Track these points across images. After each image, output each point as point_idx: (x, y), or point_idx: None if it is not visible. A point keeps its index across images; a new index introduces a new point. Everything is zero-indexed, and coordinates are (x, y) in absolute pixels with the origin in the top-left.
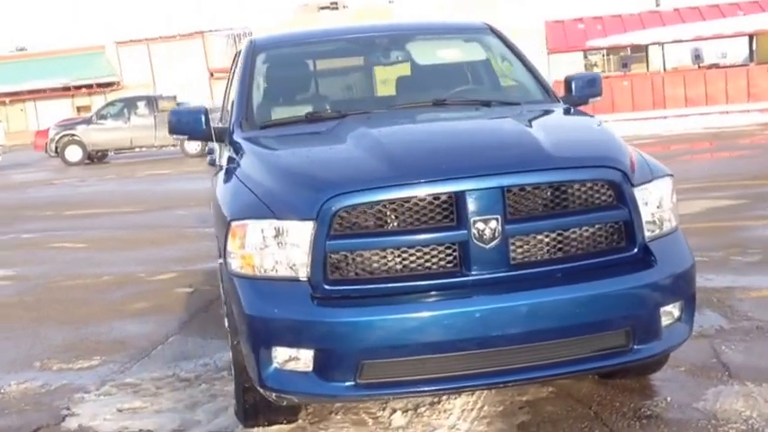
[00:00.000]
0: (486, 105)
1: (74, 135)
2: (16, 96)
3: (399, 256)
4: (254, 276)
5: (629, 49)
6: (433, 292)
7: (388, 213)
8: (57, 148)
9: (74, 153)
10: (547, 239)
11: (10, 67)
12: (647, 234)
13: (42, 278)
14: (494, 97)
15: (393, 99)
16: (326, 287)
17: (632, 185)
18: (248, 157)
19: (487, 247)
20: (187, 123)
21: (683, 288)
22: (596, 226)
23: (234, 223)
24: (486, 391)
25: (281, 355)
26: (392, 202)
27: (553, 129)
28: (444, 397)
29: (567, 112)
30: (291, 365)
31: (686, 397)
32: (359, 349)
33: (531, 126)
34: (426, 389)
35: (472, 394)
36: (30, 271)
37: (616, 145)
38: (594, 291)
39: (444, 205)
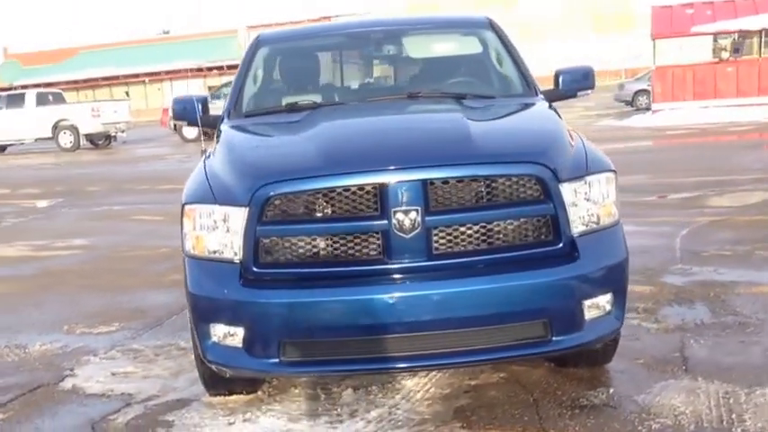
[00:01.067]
0: (460, 98)
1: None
2: (155, 76)
3: (326, 243)
4: (201, 257)
5: (735, 34)
6: (354, 279)
7: (318, 202)
8: (175, 125)
9: (190, 130)
10: (471, 231)
11: (153, 49)
12: (578, 229)
13: (109, 249)
14: (471, 91)
15: (372, 92)
16: (255, 269)
17: (559, 181)
18: (219, 144)
19: (408, 237)
20: (185, 111)
21: (610, 282)
22: (521, 219)
23: (186, 207)
24: (438, 374)
25: (219, 331)
26: (320, 191)
27: (497, 124)
28: (399, 377)
29: (529, 106)
30: (228, 341)
31: (631, 389)
32: (279, 329)
33: (479, 121)
34: (346, 369)
35: (425, 375)
36: (102, 241)
37: (548, 141)
38: (511, 282)
39: (368, 196)
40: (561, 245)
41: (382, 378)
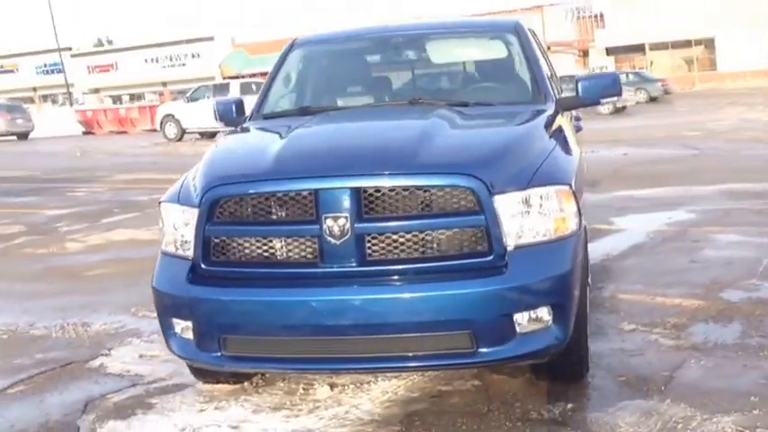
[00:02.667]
0: (462, 105)
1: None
2: None
3: (268, 244)
4: (168, 253)
5: None
6: (289, 280)
7: (261, 206)
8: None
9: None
10: (404, 239)
11: None
12: (513, 241)
13: None
14: (473, 98)
15: (378, 97)
16: (204, 267)
17: (492, 193)
18: (211, 146)
19: (338, 242)
20: (224, 112)
21: (546, 296)
22: (454, 230)
23: (161, 204)
24: (417, 377)
25: (178, 325)
26: (261, 195)
27: (459, 134)
28: (378, 377)
29: (516, 115)
30: (185, 334)
31: (590, 406)
32: (218, 324)
33: (454, 129)
34: (277, 367)
35: (404, 378)
36: None
37: (489, 153)
38: (434, 292)
39: (305, 201)
40: (492, 257)
41: (361, 378)
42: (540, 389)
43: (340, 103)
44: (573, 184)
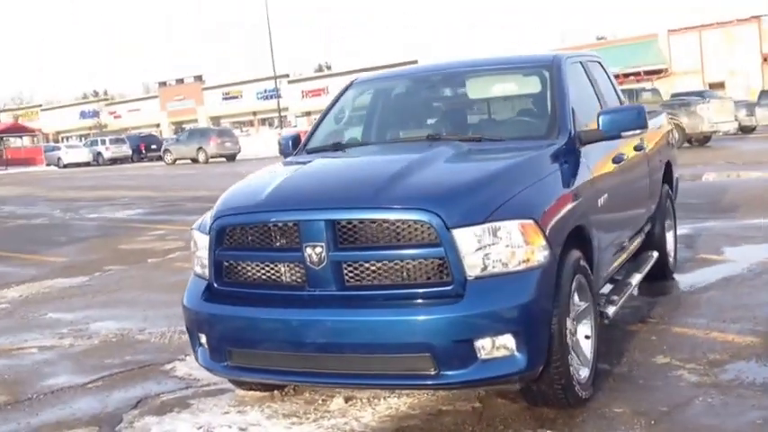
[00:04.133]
0: (475, 140)
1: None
2: None
3: (265, 269)
4: (196, 274)
5: None
6: (281, 301)
7: (259, 234)
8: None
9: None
10: (375, 267)
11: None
12: (473, 272)
13: None
14: (490, 133)
15: (405, 131)
16: (217, 287)
17: (448, 227)
18: None
19: (318, 268)
20: (284, 146)
21: (506, 324)
22: (418, 260)
23: (192, 231)
24: (423, 395)
25: (202, 338)
26: (257, 224)
27: (439, 170)
28: (391, 395)
29: (511, 150)
30: (206, 346)
31: None
32: (224, 338)
33: (434, 165)
34: (273, 378)
35: (410, 395)
36: None
37: (450, 188)
38: (397, 317)
39: (291, 231)
40: (452, 286)
41: (378, 393)
42: (535, 414)
43: (367, 139)
44: (539, 219)
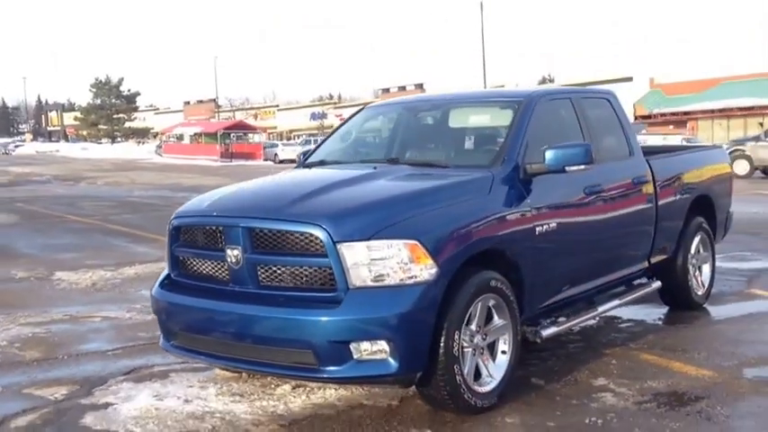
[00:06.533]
0: (426, 165)
1: (743, 150)
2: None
3: (204, 265)
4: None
5: None
6: (209, 293)
7: (199, 234)
8: None
9: (741, 167)
10: (279, 271)
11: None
12: (357, 282)
13: None
14: (442, 160)
15: (372, 154)
16: (173, 277)
17: (335, 242)
18: None
19: (237, 268)
20: (298, 158)
21: (380, 331)
22: (313, 267)
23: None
24: (360, 390)
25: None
26: (196, 226)
27: (355, 190)
28: (331, 387)
29: (431, 177)
30: None
31: None
32: (172, 321)
33: (357, 185)
34: (203, 360)
35: (358, 389)
36: None
37: (342, 206)
38: (286, 316)
39: (219, 234)
40: (335, 293)
41: (320, 384)
42: (435, 417)
43: (340, 157)
44: (426, 240)
